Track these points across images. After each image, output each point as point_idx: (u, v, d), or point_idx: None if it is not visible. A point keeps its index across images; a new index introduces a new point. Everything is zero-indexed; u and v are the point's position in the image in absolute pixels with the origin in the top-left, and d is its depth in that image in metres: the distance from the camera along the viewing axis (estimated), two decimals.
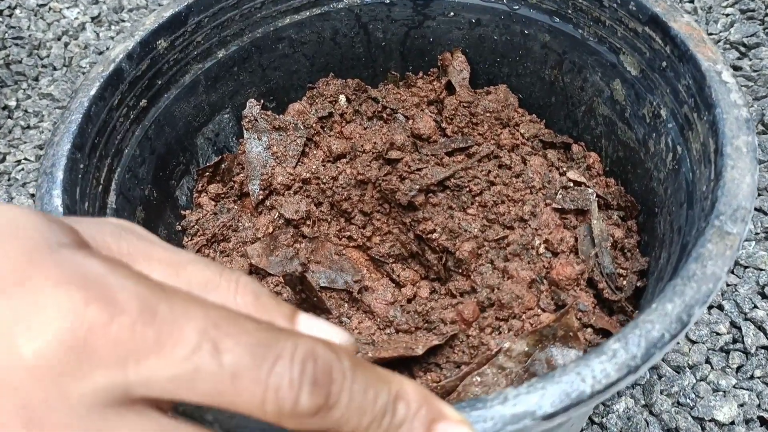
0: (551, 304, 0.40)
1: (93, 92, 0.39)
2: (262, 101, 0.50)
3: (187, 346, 0.17)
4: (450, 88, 0.50)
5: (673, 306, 0.27)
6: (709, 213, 0.30)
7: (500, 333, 0.40)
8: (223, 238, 0.46)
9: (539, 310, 0.40)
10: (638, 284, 0.40)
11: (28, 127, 0.76)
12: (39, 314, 0.17)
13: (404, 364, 0.39)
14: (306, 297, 0.40)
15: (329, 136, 0.50)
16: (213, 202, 0.48)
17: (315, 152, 0.49)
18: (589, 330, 0.39)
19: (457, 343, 0.40)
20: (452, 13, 0.48)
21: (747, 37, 0.74)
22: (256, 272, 0.44)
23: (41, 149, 0.74)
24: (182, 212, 0.47)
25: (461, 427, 0.21)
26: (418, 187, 0.45)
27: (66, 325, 0.17)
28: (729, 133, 0.32)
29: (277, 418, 0.18)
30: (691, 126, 0.36)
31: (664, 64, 0.38)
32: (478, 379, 0.36)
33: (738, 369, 0.52)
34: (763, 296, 0.56)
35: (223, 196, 0.48)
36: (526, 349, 0.36)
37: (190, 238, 0.46)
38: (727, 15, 0.78)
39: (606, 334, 0.39)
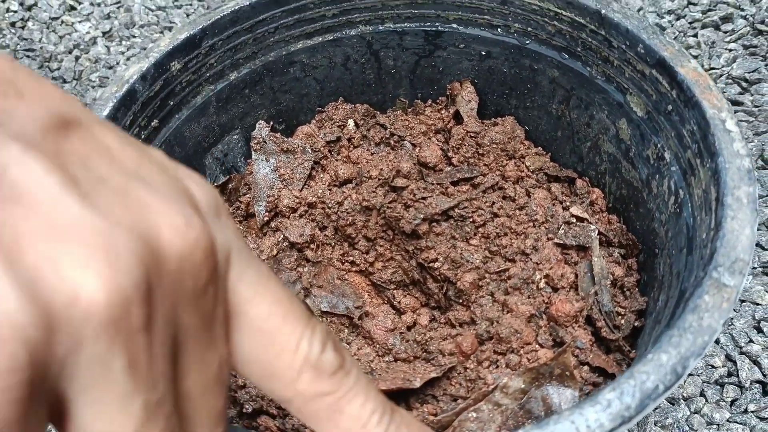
0: (549, 340, 0.41)
1: (106, 112, 0.39)
2: (271, 123, 0.50)
3: None
4: (458, 118, 0.51)
5: (668, 357, 0.27)
6: (708, 263, 0.30)
7: (497, 367, 0.40)
8: None
9: (537, 346, 0.41)
10: (636, 324, 0.41)
11: None
12: None
13: (401, 396, 0.40)
14: None
15: (336, 160, 0.50)
16: None
17: (322, 176, 0.49)
18: (586, 368, 0.40)
19: (455, 375, 0.41)
20: (463, 45, 0.49)
21: (749, 72, 0.75)
22: None
23: None
24: None
25: None
26: (422, 215, 0.45)
27: None
28: (731, 183, 0.32)
29: (302, 363, 0.19)
30: (693, 171, 0.36)
31: (670, 107, 0.38)
32: (474, 414, 0.36)
33: (732, 402, 0.52)
34: (759, 330, 0.56)
35: None
36: (523, 386, 0.37)
37: None
38: (730, 50, 0.78)
39: (602, 372, 0.39)
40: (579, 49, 0.44)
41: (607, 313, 0.41)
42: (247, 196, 0.49)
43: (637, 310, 0.41)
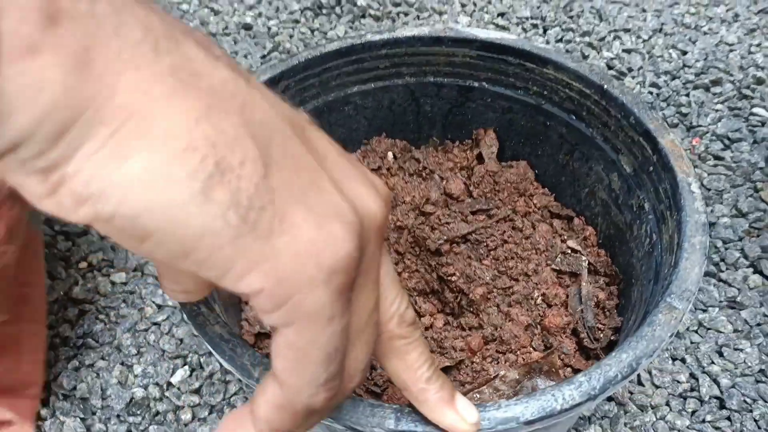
0: (541, 345, 0.51)
1: None
2: None
3: None
4: (480, 159, 0.61)
5: (627, 356, 0.37)
6: (665, 291, 0.40)
7: (498, 363, 0.50)
8: None
9: (531, 349, 0.51)
10: (612, 338, 0.51)
11: None
12: None
13: None
14: None
15: None
16: None
17: None
18: (569, 369, 0.50)
19: (463, 367, 0.51)
20: (489, 99, 0.59)
21: (731, 131, 0.86)
22: None
23: None
24: None
25: (473, 408, 0.33)
26: (445, 237, 0.55)
27: None
28: (689, 233, 0.42)
29: (394, 312, 0.28)
30: (665, 220, 0.46)
31: (651, 168, 0.49)
32: (477, 396, 0.46)
33: (693, 413, 0.62)
34: (720, 354, 0.66)
35: None
36: (517, 377, 0.47)
37: None
38: (717, 111, 0.89)
39: None
40: (584, 114, 0.54)
41: (590, 328, 0.51)
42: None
43: (614, 327, 0.51)
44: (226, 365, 0.38)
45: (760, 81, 0.92)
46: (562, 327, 0.51)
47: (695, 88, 0.92)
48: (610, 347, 0.51)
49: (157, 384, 0.65)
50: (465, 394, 0.46)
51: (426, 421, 0.35)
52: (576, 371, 0.49)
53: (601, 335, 0.51)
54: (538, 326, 0.52)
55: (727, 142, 0.85)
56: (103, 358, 0.67)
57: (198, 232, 0.18)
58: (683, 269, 0.41)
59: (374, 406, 0.35)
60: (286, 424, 0.25)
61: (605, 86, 0.52)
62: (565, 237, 0.57)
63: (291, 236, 0.20)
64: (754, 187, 0.80)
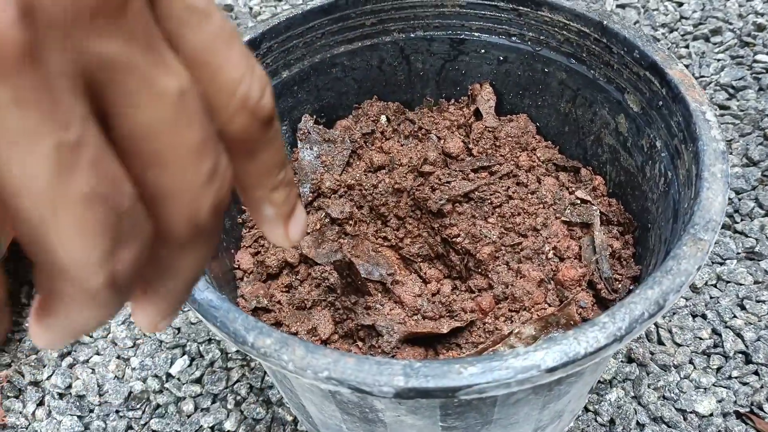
0: (556, 300, 0.48)
1: None
2: (314, 117, 0.58)
3: None
4: (477, 115, 0.58)
5: (652, 292, 0.34)
6: (687, 224, 0.37)
7: (512, 322, 0.47)
8: None
9: (546, 305, 0.48)
10: (631, 288, 0.48)
11: None
12: None
13: (430, 342, 0.47)
14: (351, 281, 0.48)
15: (371, 149, 0.57)
16: None
17: (358, 163, 0.57)
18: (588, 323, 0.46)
19: (475, 329, 0.48)
20: (483, 51, 0.56)
21: (735, 80, 0.83)
22: (305, 261, 0.52)
23: None
24: (242, 207, 0.55)
25: (302, 226, 0.24)
26: (447, 197, 0.52)
27: None
28: (708, 161, 0.39)
29: (240, 106, 0.19)
30: (679, 155, 0.43)
31: (661, 103, 0.46)
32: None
33: (718, 370, 0.59)
34: (742, 308, 0.63)
35: None
36: (534, 332, 0.44)
37: (248, 230, 0.54)
38: (719, 60, 0.86)
39: None
40: (584, 55, 0.51)
41: (606, 279, 0.48)
42: (294, 179, 0.56)
43: (632, 276, 0.48)
44: (217, 333, 0.35)
45: (761, 27, 0.89)
46: (577, 279, 0.47)
47: (694, 39, 0.89)
48: None
49: (155, 376, 0.62)
50: (480, 353, 0.43)
51: (438, 374, 0.32)
52: None
53: (619, 286, 0.48)
54: (552, 281, 0.49)
55: (731, 91, 0.82)
56: (98, 353, 0.64)
57: None
58: (705, 199, 0.38)
59: (381, 363, 0.33)
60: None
61: (605, 22, 0.49)
62: (573, 189, 0.54)
63: None
64: (763, 134, 0.77)
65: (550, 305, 0.48)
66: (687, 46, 0.88)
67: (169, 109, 0.16)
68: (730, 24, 0.91)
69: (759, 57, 0.86)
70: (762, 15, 0.91)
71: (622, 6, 0.95)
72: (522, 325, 0.44)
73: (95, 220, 0.15)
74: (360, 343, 0.47)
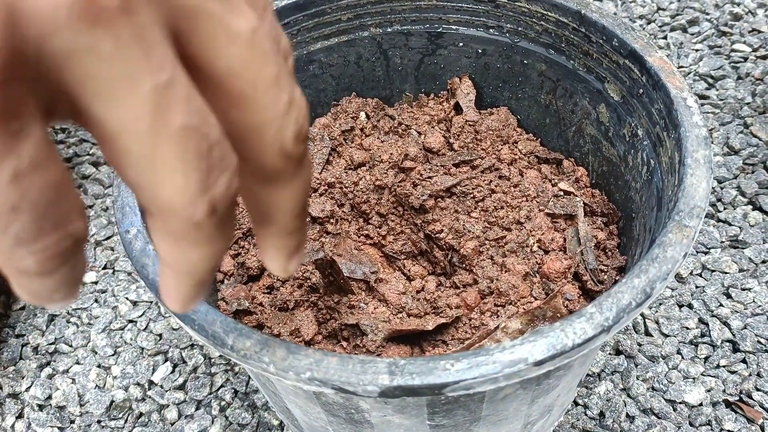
0: (542, 294, 0.47)
1: None
2: None
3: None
4: (458, 109, 0.57)
5: (639, 281, 0.34)
6: (672, 211, 0.37)
7: (498, 317, 0.46)
8: None
9: (532, 298, 0.47)
10: (617, 278, 0.47)
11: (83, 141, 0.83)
12: None
13: (415, 340, 0.46)
14: (333, 280, 0.47)
15: (351, 147, 0.57)
16: None
17: (338, 161, 0.56)
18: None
19: (461, 325, 0.47)
20: (462, 44, 0.56)
21: (714, 70, 0.83)
22: None
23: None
24: None
25: (297, 261, 0.25)
26: (429, 192, 0.52)
27: None
28: (690, 148, 0.39)
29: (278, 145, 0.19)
30: (662, 143, 0.43)
31: (641, 91, 0.45)
32: None
33: (705, 359, 0.59)
34: (728, 296, 0.63)
35: None
36: (520, 326, 0.43)
37: None
38: (697, 50, 0.86)
39: None
40: (563, 45, 0.51)
41: (592, 270, 0.48)
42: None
43: (617, 267, 0.48)
44: (196, 336, 0.34)
45: (737, 17, 0.90)
46: (562, 272, 0.47)
47: (672, 30, 0.89)
48: None
49: (138, 384, 0.61)
50: (467, 348, 0.42)
51: (423, 372, 0.31)
52: None
53: (605, 277, 0.48)
54: (537, 274, 0.48)
55: (710, 80, 0.82)
56: (78, 363, 0.63)
57: None
58: (689, 185, 0.37)
59: (365, 362, 0.32)
60: None
61: (583, 11, 0.48)
62: (556, 181, 0.53)
63: None
64: (743, 123, 0.77)
65: (536, 298, 0.47)
66: (665, 37, 0.88)
67: (245, 48, 0.17)
68: (707, 14, 0.91)
69: (736, 46, 0.86)
70: (738, 4, 0.91)
71: None
72: (508, 320, 0.43)
73: (191, 150, 0.16)
74: (344, 343, 0.46)
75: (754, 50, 0.85)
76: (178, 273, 0.20)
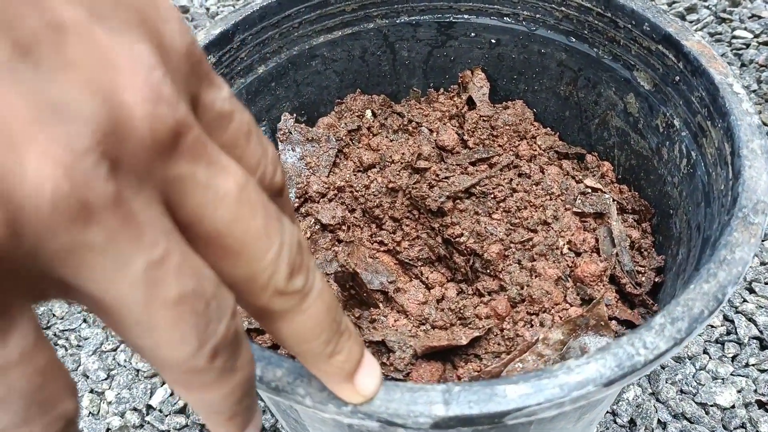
0: (577, 299, 0.44)
1: None
2: (294, 115, 0.53)
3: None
4: (471, 103, 0.54)
5: (709, 286, 0.30)
6: (732, 207, 0.34)
7: (532, 326, 0.43)
8: None
9: (566, 305, 0.44)
10: (656, 280, 0.44)
11: None
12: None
13: (446, 355, 0.42)
14: (355, 293, 0.43)
15: (358, 147, 0.53)
16: None
17: (346, 163, 0.52)
18: (614, 322, 0.43)
19: (492, 336, 0.43)
20: (474, 34, 0.52)
21: None
22: None
23: None
24: None
25: (375, 378, 0.25)
26: (446, 194, 0.48)
27: None
28: (744, 137, 0.36)
29: (268, 287, 0.19)
30: (704, 133, 0.40)
31: (677, 78, 0.42)
32: (520, 365, 0.39)
33: (733, 358, 0.56)
34: (751, 291, 0.60)
35: None
36: (562, 337, 0.40)
37: None
38: None
39: (629, 325, 0.43)
40: (586, 32, 0.48)
41: (629, 272, 0.44)
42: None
43: (655, 267, 0.45)
44: None
45: (735, 2, 0.87)
46: (598, 275, 0.44)
47: None
48: (656, 290, 0.44)
49: (135, 409, 0.57)
50: (506, 364, 0.39)
51: (482, 399, 0.28)
52: (622, 323, 0.43)
53: (643, 279, 0.44)
54: (569, 278, 0.45)
55: None
56: None
57: None
58: (749, 178, 0.34)
59: (414, 390, 0.28)
60: None
61: None
62: (580, 177, 0.50)
63: None
64: None
65: (571, 305, 0.44)
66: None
67: (232, 208, 0.18)
68: (705, 1, 0.89)
69: (737, 33, 0.84)
70: None
71: None
72: (548, 330, 0.40)
73: (187, 313, 0.17)
74: None
75: (756, 36, 0.83)
76: (207, 415, 0.21)
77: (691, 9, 0.88)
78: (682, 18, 0.87)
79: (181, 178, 0.17)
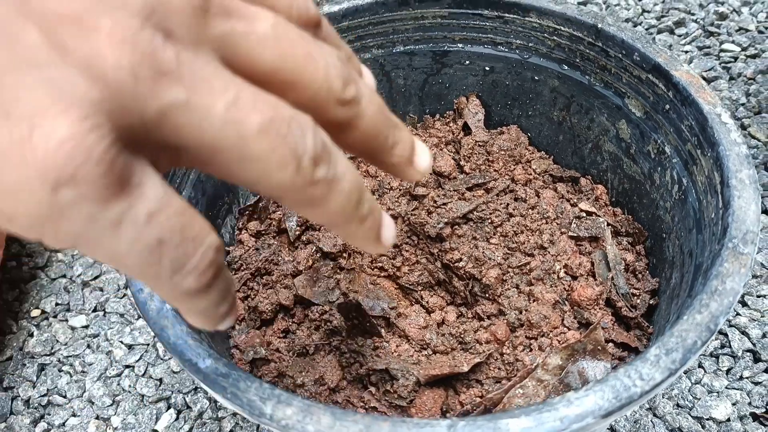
0: (575, 323, 0.45)
1: None
2: None
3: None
4: (466, 129, 0.55)
5: (702, 317, 0.32)
6: (722, 237, 0.35)
7: (531, 350, 0.44)
8: (266, 271, 0.50)
9: (564, 328, 0.45)
10: (651, 302, 0.45)
11: None
12: None
13: (448, 381, 0.43)
14: (358, 323, 0.44)
15: None
16: (254, 239, 0.52)
17: None
18: (611, 345, 0.44)
19: (492, 361, 0.45)
20: (468, 62, 0.53)
21: (706, 71, 0.82)
22: (301, 302, 0.48)
23: None
24: (227, 248, 0.51)
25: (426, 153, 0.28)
26: (445, 220, 0.49)
27: None
28: (733, 168, 0.37)
29: (328, 90, 0.22)
30: (695, 161, 0.41)
31: (668, 107, 0.43)
32: (521, 391, 0.40)
33: (728, 371, 0.58)
34: (744, 304, 0.62)
35: (263, 232, 0.52)
36: (560, 362, 0.41)
37: (234, 272, 0.50)
38: (686, 52, 0.85)
39: (626, 347, 0.44)
40: (577, 60, 0.49)
41: (624, 295, 0.46)
42: (278, 213, 0.52)
43: (650, 290, 0.46)
44: (228, 404, 0.32)
45: (723, 16, 0.89)
46: (594, 299, 0.45)
47: (659, 32, 0.89)
48: (650, 313, 0.46)
49: None
50: (507, 391, 0.40)
51: (488, 428, 0.29)
52: (619, 346, 0.44)
53: (638, 301, 0.46)
54: (567, 302, 0.46)
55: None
56: (74, 415, 0.59)
57: None
58: (738, 209, 0.35)
59: (420, 425, 0.29)
60: None
61: (599, 25, 0.46)
62: (575, 200, 0.51)
63: None
64: (741, 124, 0.76)
65: (569, 328, 0.45)
66: (653, 40, 0.87)
67: (273, 46, 0.21)
68: (693, 15, 0.91)
69: (725, 46, 0.85)
70: (722, 3, 0.91)
71: (584, 2, 0.94)
72: (547, 355, 0.41)
73: (275, 136, 0.19)
74: (372, 389, 0.43)
75: (743, 49, 0.85)
76: (343, 225, 0.23)
77: (680, 23, 0.89)
78: (671, 32, 0.89)
79: (223, 36, 0.20)
